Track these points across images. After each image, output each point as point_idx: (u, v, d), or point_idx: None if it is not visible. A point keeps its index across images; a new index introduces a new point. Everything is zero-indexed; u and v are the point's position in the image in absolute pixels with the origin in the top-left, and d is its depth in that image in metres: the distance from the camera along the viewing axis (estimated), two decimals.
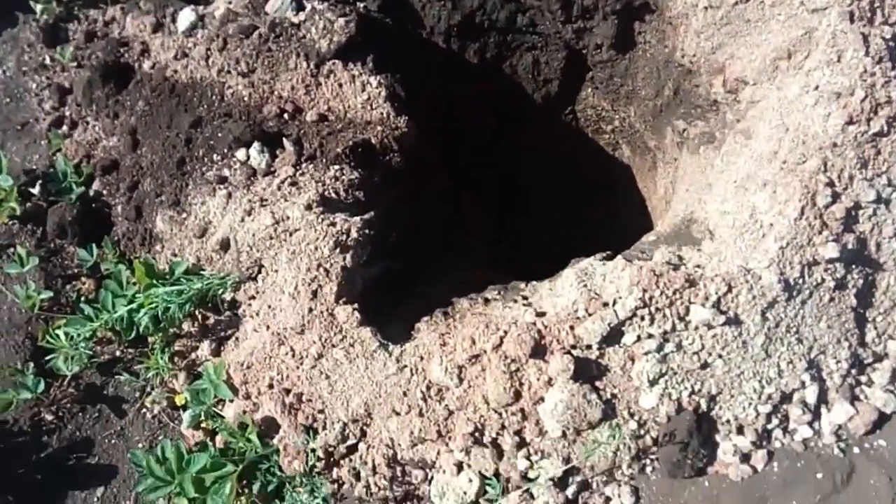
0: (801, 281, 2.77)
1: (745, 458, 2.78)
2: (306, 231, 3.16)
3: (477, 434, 2.81)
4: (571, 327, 2.79)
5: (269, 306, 3.14)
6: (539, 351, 2.77)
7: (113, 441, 3.25)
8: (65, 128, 4.02)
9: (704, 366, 2.75)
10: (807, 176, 2.85)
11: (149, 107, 3.79)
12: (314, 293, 3.05)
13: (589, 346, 2.78)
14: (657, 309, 2.73)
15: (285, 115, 3.66)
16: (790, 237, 2.78)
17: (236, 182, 3.45)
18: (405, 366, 2.92)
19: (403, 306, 3.33)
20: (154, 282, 3.21)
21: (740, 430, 2.79)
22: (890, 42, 3.09)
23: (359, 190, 3.48)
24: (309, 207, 3.22)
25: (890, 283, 2.91)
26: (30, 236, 3.66)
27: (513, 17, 4.41)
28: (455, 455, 2.81)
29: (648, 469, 2.81)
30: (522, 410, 2.80)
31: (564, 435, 2.76)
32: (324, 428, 2.94)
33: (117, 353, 3.40)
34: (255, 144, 3.50)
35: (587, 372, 2.78)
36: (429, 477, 2.88)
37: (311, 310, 3.03)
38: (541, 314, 2.88)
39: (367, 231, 3.24)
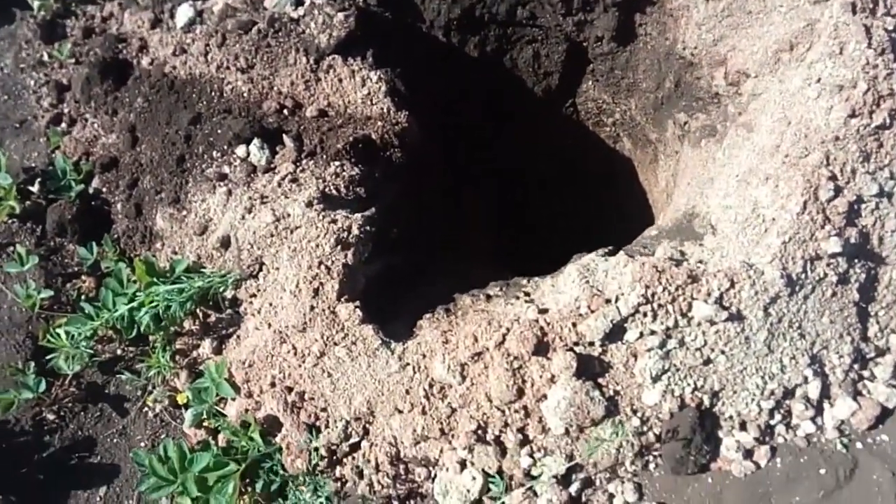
0: (803, 276, 2.77)
1: (748, 454, 2.77)
2: (307, 228, 3.15)
3: (480, 432, 2.80)
4: (574, 324, 2.78)
5: (271, 304, 3.13)
6: (542, 348, 2.77)
7: (115, 440, 3.24)
8: (63, 125, 4.01)
9: (707, 362, 2.74)
10: (809, 170, 2.84)
11: (148, 103, 3.78)
12: (316, 291, 3.04)
13: (591, 343, 2.77)
14: (659, 305, 2.72)
15: (285, 111, 3.65)
16: (792, 232, 2.77)
17: (236, 179, 3.44)
18: (407, 364, 2.91)
19: (405, 303, 3.33)
20: (155, 280, 3.20)
21: (743, 426, 2.79)
22: (892, 33, 3.08)
23: (360, 186, 3.47)
24: (310, 204, 3.21)
25: (892, 278, 2.91)
26: (29, 235, 3.65)
27: (513, 9, 4.39)
28: (458, 453, 2.81)
29: (652, 466, 2.81)
30: (525, 408, 2.79)
31: (567, 432, 2.76)
32: (326, 426, 2.93)
33: (118, 352, 3.40)
34: (255, 141, 3.49)
35: (590, 369, 2.77)
36: (432, 475, 2.87)
37: (312, 308, 3.02)
38: (543, 311, 2.87)
39: (368, 228, 3.23)
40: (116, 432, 3.26)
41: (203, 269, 3.31)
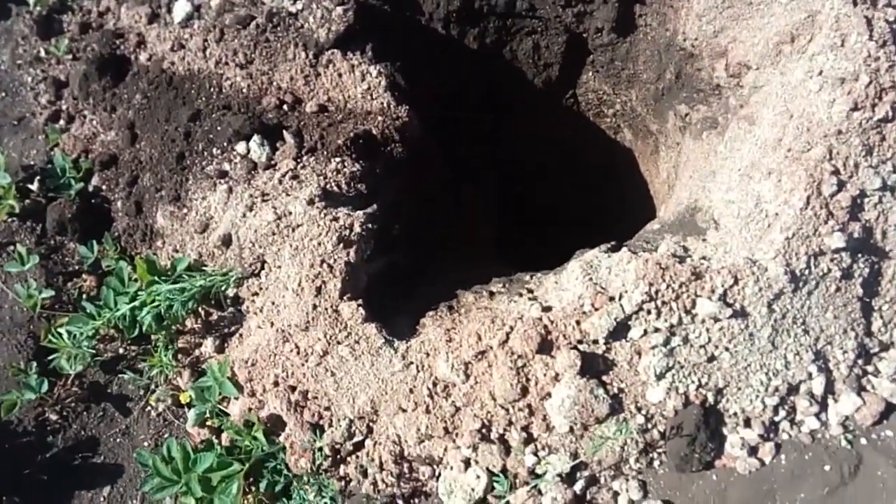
0: (807, 272, 2.76)
1: (753, 450, 2.78)
2: (309, 226, 3.14)
3: (484, 430, 2.80)
4: (578, 322, 2.78)
5: (273, 303, 3.12)
6: (545, 346, 2.76)
7: (118, 440, 3.24)
8: (62, 122, 3.99)
9: (711, 359, 2.74)
10: (812, 164, 2.83)
11: (146, 100, 3.76)
12: (318, 289, 3.03)
13: (595, 341, 2.77)
14: (663, 302, 2.71)
15: (285, 107, 3.63)
16: (796, 227, 2.76)
17: (237, 176, 3.42)
18: (411, 362, 2.91)
19: (407, 300, 3.32)
20: (156, 279, 3.19)
21: (747, 423, 2.79)
22: (894, 25, 3.06)
23: (361, 182, 3.45)
24: (311, 202, 3.20)
25: None
26: (29, 233, 3.64)
27: (512, 1, 4.37)
28: (462, 451, 2.81)
29: (656, 463, 2.81)
30: (529, 406, 2.79)
31: (572, 430, 2.75)
32: (330, 425, 2.93)
33: (120, 351, 3.39)
34: (255, 137, 3.47)
35: (594, 367, 2.77)
36: (436, 473, 2.87)
37: (315, 306, 3.02)
38: (546, 309, 2.86)
39: (370, 225, 3.22)
40: (119, 432, 3.26)
41: (204, 268, 3.30)
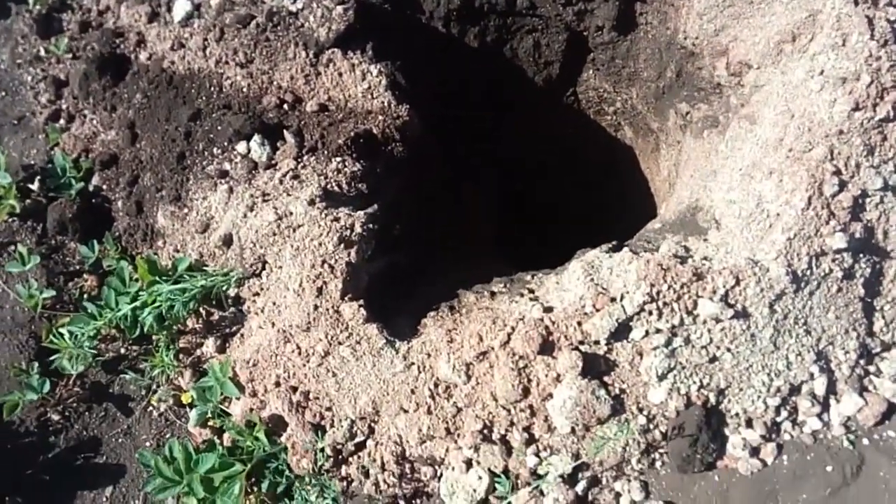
0: (808, 272, 2.76)
1: (755, 451, 2.78)
2: (310, 227, 3.13)
3: (486, 431, 2.80)
4: (579, 323, 2.77)
5: (274, 303, 3.12)
6: (547, 347, 2.76)
7: (120, 440, 3.24)
8: (62, 121, 3.99)
9: (713, 360, 2.74)
10: (813, 164, 2.83)
11: (147, 99, 3.76)
12: (319, 290, 3.03)
13: (597, 342, 2.77)
14: (665, 303, 2.71)
15: (285, 106, 3.63)
16: (797, 228, 2.76)
17: (237, 176, 3.42)
18: (412, 363, 2.91)
19: (408, 299, 3.32)
20: (157, 279, 3.19)
21: (749, 424, 2.79)
22: (895, 24, 3.05)
23: (361, 182, 3.45)
24: (312, 202, 3.19)
25: None
26: (30, 233, 3.64)
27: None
28: (464, 452, 2.81)
29: (658, 464, 2.81)
30: (531, 407, 2.79)
31: (573, 431, 2.76)
32: (332, 426, 2.93)
33: (122, 351, 3.40)
34: (256, 137, 3.46)
35: (595, 368, 2.77)
36: (438, 474, 2.87)
37: (316, 307, 3.02)
38: (548, 309, 2.86)
39: (371, 225, 3.22)
40: (121, 432, 3.26)
41: (205, 268, 3.31)
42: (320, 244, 3.10)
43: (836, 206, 2.79)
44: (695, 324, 2.72)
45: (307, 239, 3.12)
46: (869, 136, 2.87)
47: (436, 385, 2.87)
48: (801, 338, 2.77)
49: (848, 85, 2.92)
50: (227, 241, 3.28)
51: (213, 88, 3.70)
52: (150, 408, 3.28)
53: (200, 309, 3.26)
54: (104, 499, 3.12)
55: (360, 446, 2.94)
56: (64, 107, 4.01)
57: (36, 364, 3.30)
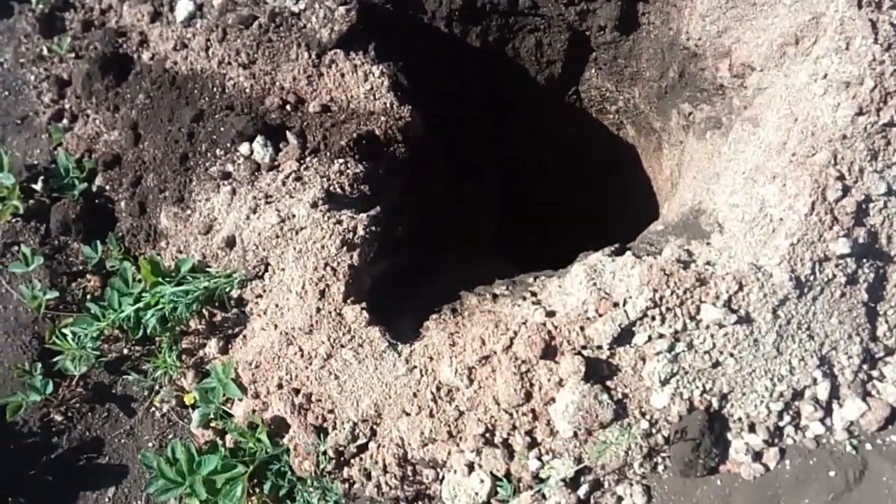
0: (812, 277, 2.76)
1: (758, 456, 2.78)
2: (312, 229, 3.14)
3: (488, 434, 2.81)
4: (582, 328, 2.78)
5: (277, 305, 3.13)
6: (549, 352, 2.77)
7: (123, 440, 3.25)
8: (65, 121, 3.98)
9: (716, 365, 2.74)
10: (817, 169, 2.82)
11: (149, 100, 3.75)
12: (322, 293, 3.04)
13: (599, 347, 2.77)
14: (668, 309, 2.71)
15: (287, 107, 3.63)
16: (801, 233, 2.75)
17: (240, 177, 3.42)
18: (415, 366, 2.91)
19: (410, 301, 3.32)
20: (160, 280, 3.19)
21: (752, 429, 2.79)
22: None
23: (364, 184, 3.45)
24: (315, 205, 3.20)
25: None
26: (33, 234, 3.64)
27: None
28: (466, 455, 2.81)
29: (660, 468, 2.82)
30: (533, 411, 2.79)
31: (576, 435, 2.76)
32: (334, 428, 2.94)
33: (125, 352, 3.40)
34: (259, 138, 3.46)
35: (598, 372, 2.77)
36: (440, 477, 2.88)
37: (318, 309, 3.02)
38: (550, 314, 2.87)
39: (373, 228, 3.22)
40: (124, 433, 3.26)
41: (208, 269, 3.31)
42: (323, 247, 3.10)
43: (839, 211, 2.79)
44: (698, 329, 2.72)
45: (310, 241, 3.12)
46: (872, 140, 2.87)
47: (438, 388, 2.87)
48: (804, 343, 2.77)
49: (851, 89, 2.91)
50: (230, 242, 3.28)
51: (215, 89, 3.69)
52: (153, 409, 3.29)
53: (203, 310, 3.27)
54: (107, 499, 3.13)
55: (362, 449, 2.94)
56: (67, 106, 4.01)
57: (39, 365, 3.30)
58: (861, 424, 2.82)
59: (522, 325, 2.82)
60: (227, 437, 3.10)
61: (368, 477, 2.90)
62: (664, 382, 2.73)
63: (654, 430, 2.76)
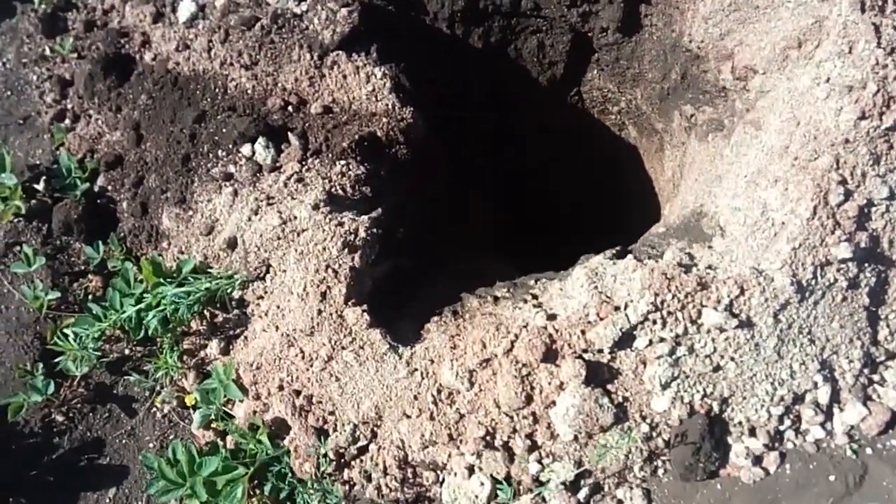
0: (813, 282, 2.75)
1: (758, 460, 2.78)
2: (314, 231, 3.14)
3: (488, 437, 2.81)
4: (583, 331, 2.78)
5: (278, 307, 3.13)
6: (550, 355, 2.77)
7: (124, 441, 3.25)
8: (67, 121, 3.99)
9: (716, 369, 2.74)
10: (819, 174, 2.82)
11: (152, 100, 3.76)
12: (323, 295, 3.04)
13: (600, 351, 2.77)
14: (669, 313, 2.71)
15: (289, 108, 3.63)
16: (803, 238, 2.75)
17: (242, 179, 3.42)
18: (415, 369, 2.91)
19: (411, 302, 3.32)
20: (162, 280, 3.20)
21: (752, 432, 2.79)
22: None
23: (365, 185, 3.45)
24: (316, 207, 3.20)
25: None
26: (35, 234, 3.64)
27: (517, 0, 4.35)
28: (466, 458, 2.82)
29: (660, 472, 2.82)
30: (534, 414, 2.79)
31: (576, 438, 2.76)
32: (334, 430, 2.94)
33: (126, 352, 3.40)
34: (260, 139, 3.47)
35: (599, 376, 2.77)
36: (440, 479, 2.88)
37: (320, 312, 3.02)
38: (552, 317, 2.86)
39: (375, 230, 3.22)
40: (125, 433, 3.27)
41: (210, 270, 3.31)
42: (324, 249, 3.10)
43: (841, 215, 2.79)
44: (699, 333, 2.72)
45: (311, 243, 3.12)
46: (875, 145, 2.86)
47: (439, 391, 2.87)
48: (805, 347, 2.77)
49: (854, 93, 2.91)
50: (232, 243, 3.29)
51: (217, 90, 3.69)
52: (154, 409, 3.29)
53: (204, 311, 3.27)
54: (107, 500, 3.13)
55: (363, 451, 2.94)
56: (69, 107, 4.01)
57: (41, 365, 3.31)
58: (861, 429, 2.82)
59: (523, 328, 2.83)
60: (228, 438, 3.11)
61: (369, 479, 2.90)
62: (665, 386, 2.73)
63: (654, 434, 2.76)
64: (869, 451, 2.80)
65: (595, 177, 5.58)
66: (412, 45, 4.16)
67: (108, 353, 3.37)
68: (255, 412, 3.04)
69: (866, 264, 2.83)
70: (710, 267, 2.85)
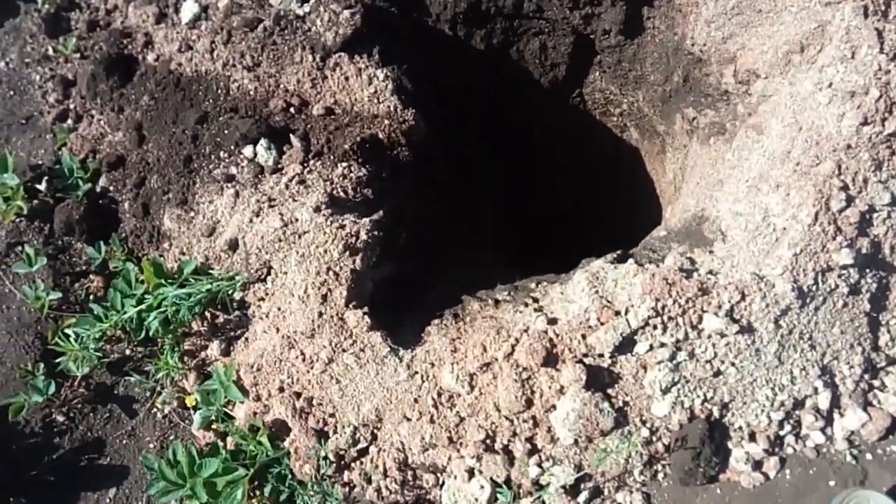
0: (814, 288, 2.75)
1: (758, 465, 2.78)
2: (315, 234, 3.14)
3: (488, 441, 2.81)
4: (583, 336, 2.78)
5: (279, 309, 3.13)
6: (551, 360, 2.77)
7: (124, 441, 3.25)
8: (69, 121, 4.00)
9: (717, 374, 2.74)
10: (821, 179, 2.82)
11: (154, 101, 3.76)
12: (324, 297, 3.04)
13: (601, 355, 2.77)
14: (670, 318, 2.71)
15: (291, 110, 3.63)
16: (804, 244, 2.75)
17: (244, 180, 3.42)
18: (416, 372, 2.91)
19: (412, 305, 3.32)
20: (163, 281, 3.20)
21: (752, 438, 2.79)
22: None
23: (367, 187, 3.45)
24: (318, 209, 3.20)
25: None
26: (37, 234, 3.65)
27: (519, 2, 4.35)
28: (466, 461, 2.82)
29: (660, 476, 2.82)
30: (534, 418, 2.80)
31: (576, 442, 2.76)
32: (335, 432, 2.94)
33: (127, 353, 3.40)
34: (262, 141, 3.47)
35: (599, 380, 2.77)
36: (440, 482, 2.88)
37: (321, 314, 3.02)
38: (552, 321, 2.86)
39: (376, 232, 3.22)
40: (125, 433, 3.27)
41: (211, 271, 3.31)
42: (325, 251, 3.11)
43: (843, 221, 2.79)
44: (699, 338, 2.72)
45: (312, 246, 3.13)
46: (877, 150, 2.86)
47: (439, 394, 2.88)
48: (805, 352, 2.77)
49: (856, 99, 2.91)
50: (233, 245, 3.29)
51: (220, 91, 3.70)
52: (155, 410, 3.29)
53: (205, 312, 3.27)
54: (107, 500, 3.13)
55: (363, 453, 2.94)
56: (72, 107, 4.02)
57: (42, 365, 3.31)
58: (862, 434, 2.82)
59: (524, 332, 2.83)
60: (228, 439, 3.11)
61: (369, 481, 2.90)
62: (665, 391, 2.73)
63: (654, 439, 2.76)
64: (869, 456, 2.80)
65: (597, 178, 5.58)
66: (414, 46, 4.16)
67: (109, 354, 3.37)
68: (255, 413, 3.04)
69: (867, 270, 2.83)
70: (711, 272, 2.85)
